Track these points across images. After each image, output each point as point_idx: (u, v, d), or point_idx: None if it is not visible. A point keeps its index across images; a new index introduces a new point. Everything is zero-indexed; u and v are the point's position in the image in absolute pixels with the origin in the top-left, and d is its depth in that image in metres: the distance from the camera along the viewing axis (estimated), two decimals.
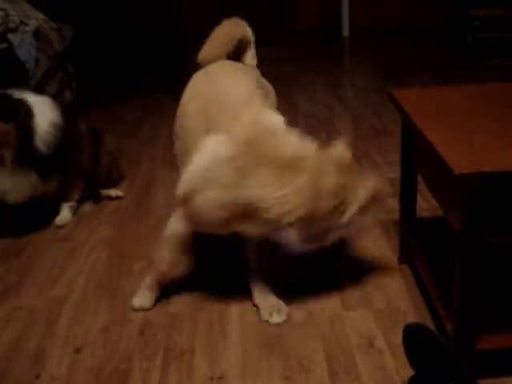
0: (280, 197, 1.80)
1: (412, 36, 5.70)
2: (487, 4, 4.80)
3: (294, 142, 1.90)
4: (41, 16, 4.22)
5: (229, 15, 2.52)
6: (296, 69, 4.99)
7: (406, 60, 5.12)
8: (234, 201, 1.84)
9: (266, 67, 5.00)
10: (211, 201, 1.87)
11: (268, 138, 1.87)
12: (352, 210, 1.89)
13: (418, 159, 2.07)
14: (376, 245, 2.48)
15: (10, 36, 3.48)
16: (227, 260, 2.47)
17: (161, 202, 3.01)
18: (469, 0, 4.90)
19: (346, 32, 5.97)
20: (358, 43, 5.80)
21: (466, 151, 1.59)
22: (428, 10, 5.81)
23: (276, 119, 2.00)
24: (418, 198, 2.29)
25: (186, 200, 1.95)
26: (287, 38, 5.58)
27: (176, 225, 2.10)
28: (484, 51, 4.80)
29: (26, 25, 3.69)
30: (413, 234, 2.21)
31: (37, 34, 3.77)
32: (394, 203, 2.73)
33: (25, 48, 3.52)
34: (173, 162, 3.05)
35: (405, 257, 2.31)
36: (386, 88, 4.29)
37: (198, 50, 2.44)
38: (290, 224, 1.83)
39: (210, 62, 2.37)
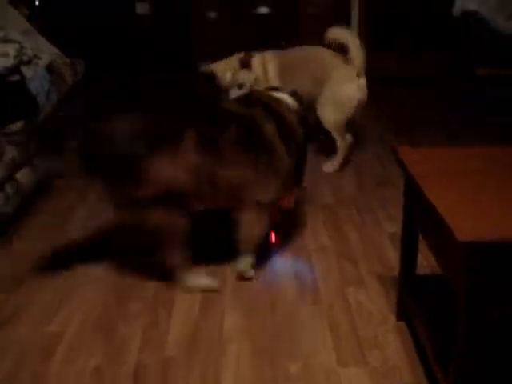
0: None
1: (417, 88, 5.76)
2: (493, 64, 4.88)
3: None
4: (55, 50, 4.29)
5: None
6: None
7: (410, 111, 5.17)
8: None
9: None
10: None
11: None
12: None
13: (419, 218, 2.08)
14: (374, 301, 2.48)
15: (24, 68, 3.53)
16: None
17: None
18: (475, 59, 4.97)
19: None
20: None
21: (469, 216, 1.60)
22: (435, 64, 5.90)
23: None
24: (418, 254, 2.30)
25: None
26: None
27: None
28: (488, 108, 4.87)
29: (40, 58, 3.74)
30: (412, 292, 2.21)
31: (50, 68, 3.82)
32: (393, 259, 2.74)
33: (37, 81, 3.56)
34: None
35: (403, 314, 2.30)
36: (390, 138, 4.37)
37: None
38: None
39: None
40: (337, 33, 3.67)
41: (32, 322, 2.39)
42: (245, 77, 3.49)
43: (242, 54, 3.79)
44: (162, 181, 2.33)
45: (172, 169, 2.33)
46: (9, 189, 3.10)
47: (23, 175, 3.28)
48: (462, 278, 1.56)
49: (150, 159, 2.29)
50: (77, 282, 2.68)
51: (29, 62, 3.58)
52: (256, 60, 3.79)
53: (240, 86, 3.54)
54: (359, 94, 3.69)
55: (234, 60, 3.76)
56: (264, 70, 3.74)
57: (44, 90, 3.63)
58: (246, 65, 3.52)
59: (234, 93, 3.57)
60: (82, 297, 2.57)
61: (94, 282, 2.68)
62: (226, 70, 3.72)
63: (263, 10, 5.64)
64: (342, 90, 3.63)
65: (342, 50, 3.69)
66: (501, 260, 1.52)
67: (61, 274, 2.75)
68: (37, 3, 5.06)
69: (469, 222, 1.57)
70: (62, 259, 2.88)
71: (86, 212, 3.38)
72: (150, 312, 2.44)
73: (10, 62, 3.37)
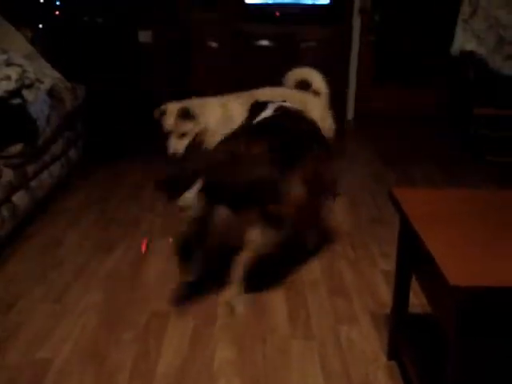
0: None
1: (415, 124, 5.82)
2: (491, 104, 4.94)
3: None
4: (56, 75, 4.33)
5: None
6: None
7: (407, 148, 5.22)
8: None
9: None
10: None
11: None
12: None
13: (413, 258, 2.09)
14: (366, 338, 2.47)
15: (25, 92, 3.55)
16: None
17: (154, 271, 3.02)
18: (473, 98, 5.03)
19: (350, 115, 6.10)
20: (362, 127, 5.92)
21: (461, 260, 1.62)
22: (435, 101, 5.97)
23: None
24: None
25: None
26: None
27: None
28: (486, 147, 4.92)
29: (42, 82, 3.77)
30: (403, 332, 2.22)
31: (51, 93, 3.85)
32: (385, 296, 2.75)
33: (38, 105, 3.59)
34: (170, 231, 3.09)
35: (394, 353, 2.30)
36: (386, 175, 4.40)
37: None
38: None
39: None
40: (300, 71, 3.80)
41: (22, 348, 2.38)
42: (186, 127, 3.20)
43: (182, 104, 3.28)
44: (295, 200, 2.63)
45: (301, 187, 2.66)
46: (5, 211, 3.11)
47: (19, 198, 3.29)
48: (452, 321, 1.57)
49: (285, 182, 2.56)
50: (69, 307, 2.68)
51: (30, 86, 3.60)
52: (212, 104, 3.42)
53: (182, 135, 3.20)
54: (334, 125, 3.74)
55: (173, 107, 3.26)
56: (226, 112, 3.42)
57: (44, 114, 3.66)
58: (185, 115, 3.24)
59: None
60: (73, 322, 2.56)
61: (86, 307, 2.68)
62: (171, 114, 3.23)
63: (264, 42, 5.70)
64: (323, 121, 3.58)
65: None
66: (491, 304, 1.54)
67: (53, 298, 2.75)
68: (40, 26, 5.10)
69: (461, 265, 1.58)
70: (54, 283, 2.88)
71: (79, 236, 3.39)
72: (141, 341, 2.44)
73: (11, 85, 3.39)
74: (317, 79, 3.76)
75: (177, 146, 3.19)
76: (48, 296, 2.77)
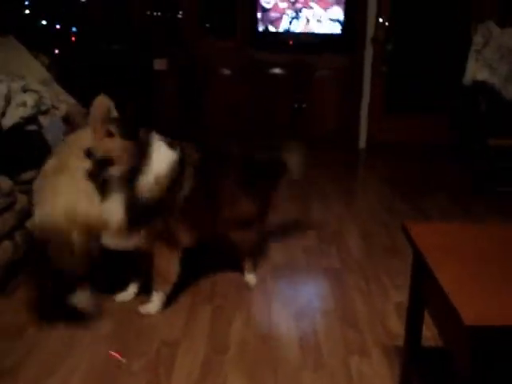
0: None
1: (427, 154, 5.83)
2: (504, 133, 4.93)
3: None
4: (72, 101, 4.37)
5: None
6: (312, 175, 5.08)
7: (419, 178, 5.21)
8: None
9: None
10: None
11: None
12: None
13: (426, 293, 2.08)
14: (377, 371, 2.45)
15: (41, 118, 3.59)
16: None
17: None
18: (486, 128, 5.03)
19: (362, 144, 6.12)
20: (374, 156, 5.93)
21: (475, 298, 1.61)
22: (446, 132, 5.98)
23: None
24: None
25: None
26: (306, 143, 5.70)
27: None
28: (498, 178, 4.91)
29: (57, 109, 3.81)
30: (416, 365, 2.20)
31: (66, 119, 3.88)
32: (397, 328, 2.73)
33: (53, 131, 3.62)
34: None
35: None
36: (398, 206, 4.39)
37: None
38: None
39: None
40: None
41: (33, 375, 2.38)
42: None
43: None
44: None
45: None
46: (18, 237, 3.13)
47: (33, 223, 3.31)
48: (467, 360, 1.55)
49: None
50: (79, 333, 2.67)
51: (46, 112, 3.65)
52: None
53: None
54: None
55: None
56: None
57: (59, 139, 3.68)
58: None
59: None
60: (84, 349, 2.56)
61: (96, 334, 2.68)
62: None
63: (277, 70, 5.75)
64: None
65: None
66: (506, 343, 1.52)
67: (63, 326, 2.75)
68: (56, 52, 5.16)
69: (475, 304, 1.57)
70: (65, 310, 2.87)
71: None
72: (151, 370, 2.43)
73: (28, 111, 3.44)
74: None
75: None
76: (59, 323, 2.77)
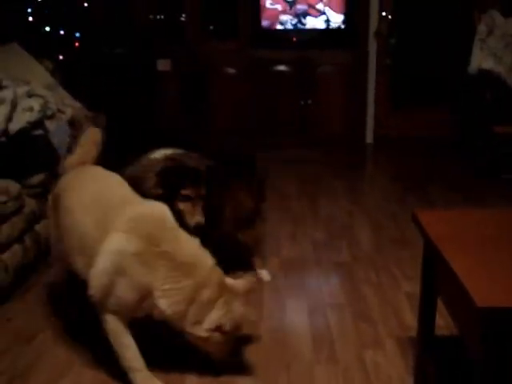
0: (166, 289, 2.17)
1: (433, 145, 5.80)
2: (509, 122, 4.92)
3: (193, 248, 2.29)
4: (77, 105, 4.39)
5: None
6: (320, 171, 5.08)
7: (426, 169, 5.20)
8: (140, 286, 2.18)
9: (291, 168, 5.15)
10: (124, 288, 2.18)
11: (169, 235, 2.25)
12: (210, 322, 2.23)
13: (437, 280, 2.07)
14: (392, 362, 2.44)
15: (47, 122, 3.61)
16: None
17: None
18: (491, 116, 5.02)
19: (369, 139, 6.09)
20: (381, 150, 5.91)
21: (486, 281, 1.60)
22: (452, 123, 5.95)
23: (163, 209, 2.37)
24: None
25: (102, 297, 2.22)
26: (313, 140, 5.70)
27: (112, 323, 2.26)
28: (502, 165, 4.90)
29: (63, 113, 3.82)
30: (430, 355, 2.18)
31: (71, 122, 3.90)
32: (410, 319, 2.72)
33: (59, 135, 3.63)
34: None
35: (421, 377, 2.25)
36: (406, 198, 4.38)
37: None
38: (171, 315, 2.20)
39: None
40: None
41: (44, 378, 2.38)
42: None
43: None
44: None
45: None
46: (28, 240, 3.13)
47: (42, 227, 3.32)
48: (479, 343, 1.54)
49: None
50: (90, 337, 2.66)
51: (52, 117, 3.66)
52: None
53: None
54: None
55: None
56: None
57: (65, 143, 3.70)
58: None
59: None
60: (94, 353, 2.54)
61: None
62: None
63: (281, 67, 5.74)
64: None
65: None
66: None
67: (76, 328, 2.74)
68: (61, 57, 5.18)
69: (487, 286, 1.57)
70: (77, 312, 2.87)
71: None
72: (161, 370, 2.40)
73: (34, 116, 3.45)
74: None
75: None
76: (69, 327, 2.76)
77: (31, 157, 3.34)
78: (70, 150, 3.73)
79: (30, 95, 3.59)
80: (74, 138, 3.83)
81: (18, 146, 3.34)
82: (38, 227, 3.27)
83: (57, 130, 3.66)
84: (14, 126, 3.37)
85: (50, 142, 3.49)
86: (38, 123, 3.52)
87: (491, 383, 1.55)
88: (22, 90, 3.55)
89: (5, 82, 3.51)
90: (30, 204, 3.22)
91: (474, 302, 1.48)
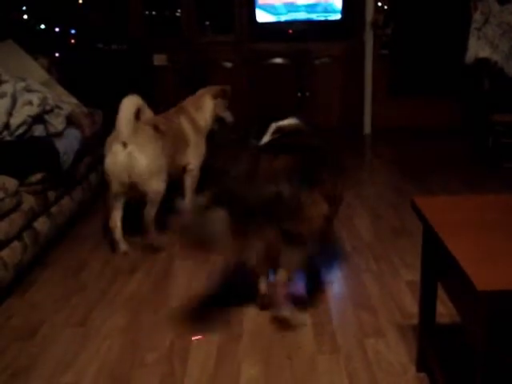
0: None
1: (431, 135, 5.81)
2: (507, 110, 4.92)
3: None
4: (74, 101, 4.38)
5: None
6: None
7: (424, 159, 5.21)
8: None
9: None
10: None
11: None
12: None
13: (438, 267, 2.06)
14: (393, 350, 2.43)
15: (46, 117, 3.60)
16: None
17: (177, 291, 3.00)
18: (489, 105, 5.01)
19: (367, 130, 6.09)
20: (379, 141, 5.90)
21: (488, 266, 1.59)
22: (450, 112, 5.95)
23: None
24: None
25: None
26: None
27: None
28: (503, 155, 4.90)
29: (61, 108, 3.80)
30: (432, 343, 2.18)
31: (69, 119, 3.88)
32: (411, 307, 2.71)
33: (68, 140, 3.66)
34: (190, 252, 3.07)
35: (424, 365, 2.25)
36: (405, 187, 4.37)
37: None
38: None
39: None
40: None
41: (47, 373, 2.37)
42: None
43: None
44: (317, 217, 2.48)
45: (322, 204, 2.49)
46: (27, 238, 3.12)
47: (40, 224, 3.31)
48: (481, 328, 1.53)
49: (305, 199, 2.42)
50: (92, 331, 2.67)
51: (51, 111, 3.64)
52: None
53: None
54: None
55: None
56: None
57: (74, 149, 3.72)
58: None
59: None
60: (97, 346, 2.55)
61: (109, 330, 2.67)
62: None
63: (278, 60, 5.73)
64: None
65: None
66: None
67: (76, 322, 2.75)
68: (57, 55, 5.17)
69: (488, 271, 1.56)
70: (77, 308, 2.88)
71: (101, 261, 3.39)
72: (165, 363, 2.42)
73: (34, 110, 3.45)
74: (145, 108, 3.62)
75: None
76: (71, 320, 2.77)
77: (31, 158, 3.32)
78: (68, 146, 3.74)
79: (28, 90, 3.57)
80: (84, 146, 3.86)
81: (19, 146, 3.34)
82: (36, 224, 3.26)
83: (68, 135, 3.69)
84: (15, 120, 3.36)
85: (53, 145, 3.47)
86: (38, 117, 3.50)
87: (492, 369, 1.55)
88: (20, 84, 3.53)
89: (4, 77, 3.50)
90: (29, 201, 3.20)
91: (474, 286, 1.47)
